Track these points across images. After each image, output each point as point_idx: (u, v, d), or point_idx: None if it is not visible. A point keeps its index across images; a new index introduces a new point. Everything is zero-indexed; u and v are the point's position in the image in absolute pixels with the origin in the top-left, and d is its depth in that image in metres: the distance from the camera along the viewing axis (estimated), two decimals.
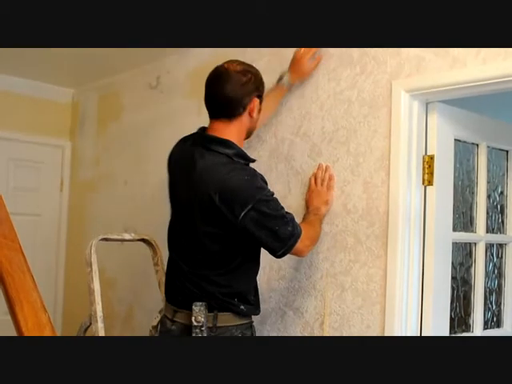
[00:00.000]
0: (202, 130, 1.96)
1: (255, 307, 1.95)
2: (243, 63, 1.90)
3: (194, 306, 1.79)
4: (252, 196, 1.77)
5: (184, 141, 2.00)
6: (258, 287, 2.00)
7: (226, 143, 1.85)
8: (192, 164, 1.84)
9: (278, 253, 1.84)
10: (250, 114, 1.87)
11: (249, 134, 1.97)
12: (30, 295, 1.29)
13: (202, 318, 1.78)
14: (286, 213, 1.85)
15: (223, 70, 1.85)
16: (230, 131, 1.86)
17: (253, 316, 1.96)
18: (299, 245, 1.87)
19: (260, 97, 1.89)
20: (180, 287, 1.90)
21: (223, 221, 1.78)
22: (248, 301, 1.90)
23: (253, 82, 1.85)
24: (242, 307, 1.87)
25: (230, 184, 1.77)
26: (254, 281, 1.98)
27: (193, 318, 1.79)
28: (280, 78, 2.29)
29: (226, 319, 1.84)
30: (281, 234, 1.81)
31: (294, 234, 1.84)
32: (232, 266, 1.86)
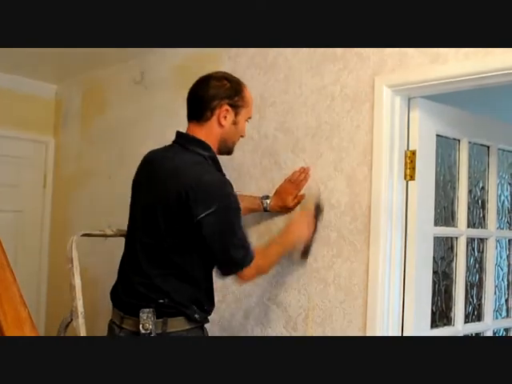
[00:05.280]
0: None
1: (207, 315, 1.89)
2: (227, 74, 1.92)
3: (141, 314, 1.74)
4: (219, 199, 1.74)
5: (156, 151, 1.98)
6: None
7: (204, 145, 1.85)
8: (166, 160, 1.84)
9: (221, 272, 1.83)
10: (219, 122, 1.85)
11: (224, 148, 1.92)
12: (10, 290, 1.28)
13: (149, 326, 1.73)
14: (244, 237, 1.81)
15: (204, 76, 1.90)
16: (201, 136, 1.86)
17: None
18: (245, 270, 1.81)
19: (234, 107, 1.85)
20: (129, 292, 1.84)
21: (185, 218, 1.74)
22: (203, 308, 1.85)
23: (226, 88, 1.84)
24: (196, 315, 1.81)
25: (203, 181, 1.74)
26: (208, 287, 1.90)
27: (140, 326, 1.73)
28: (264, 197, 2.25)
29: (177, 324, 1.78)
30: (231, 255, 1.78)
31: (244, 262, 1.80)
32: (189, 270, 1.81)
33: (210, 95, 1.83)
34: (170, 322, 1.77)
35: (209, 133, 1.86)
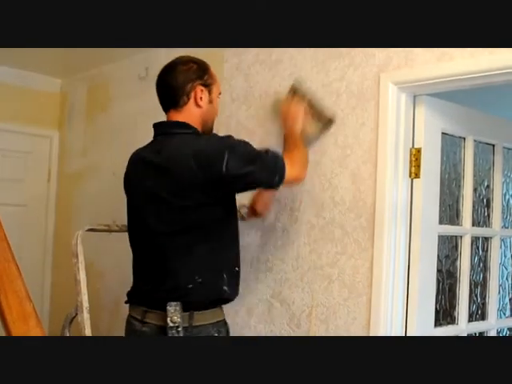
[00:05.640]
0: None
1: (237, 284, 1.93)
2: (191, 56, 1.94)
3: (168, 307, 1.75)
4: (223, 147, 1.77)
5: (141, 150, 2.00)
6: (246, 278, 1.97)
7: (185, 125, 1.87)
8: (154, 155, 1.84)
9: (274, 182, 1.84)
10: (197, 103, 1.87)
11: (206, 129, 1.94)
12: (15, 284, 1.28)
13: (177, 319, 1.74)
14: (263, 150, 1.86)
15: (168, 64, 1.92)
16: (182, 120, 1.88)
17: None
18: (290, 172, 1.86)
19: (206, 86, 1.89)
20: (156, 286, 1.84)
21: (202, 189, 1.76)
22: (233, 271, 1.89)
23: (194, 70, 1.88)
24: (225, 287, 1.84)
25: (200, 148, 1.77)
26: (234, 247, 1.94)
27: (168, 319, 1.74)
28: (241, 206, 2.23)
29: (202, 318, 1.80)
30: (266, 162, 1.81)
31: (278, 158, 1.84)
32: (216, 237, 1.83)
33: (181, 80, 1.86)
34: (195, 316, 1.79)
35: (189, 116, 1.88)
